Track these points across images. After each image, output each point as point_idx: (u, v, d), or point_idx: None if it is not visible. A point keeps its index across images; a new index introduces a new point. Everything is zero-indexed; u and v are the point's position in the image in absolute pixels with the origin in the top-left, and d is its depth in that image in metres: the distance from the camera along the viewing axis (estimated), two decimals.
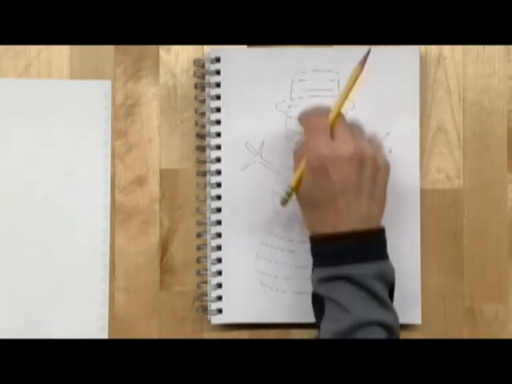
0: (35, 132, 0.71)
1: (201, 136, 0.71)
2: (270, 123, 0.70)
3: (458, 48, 0.71)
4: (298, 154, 0.64)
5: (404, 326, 0.69)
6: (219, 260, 0.70)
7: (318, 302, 0.62)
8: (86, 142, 0.71)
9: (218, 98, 0.70)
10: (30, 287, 0.71)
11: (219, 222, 0.70)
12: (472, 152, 0.71)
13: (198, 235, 0.71)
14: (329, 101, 0.65)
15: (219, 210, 0.70)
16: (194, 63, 0.71)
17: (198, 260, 0.71)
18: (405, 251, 0.69)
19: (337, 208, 0.61)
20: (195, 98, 0.71)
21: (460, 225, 0.71)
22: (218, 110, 0.70)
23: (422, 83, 0.70)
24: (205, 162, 0.71)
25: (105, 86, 0.72)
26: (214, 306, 0.70)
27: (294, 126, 0.69)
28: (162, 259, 0.71)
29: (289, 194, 0.64)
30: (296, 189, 0.63)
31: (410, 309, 0.70)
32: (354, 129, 0.63)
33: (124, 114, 0.72)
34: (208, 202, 0.71)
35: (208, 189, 0.71)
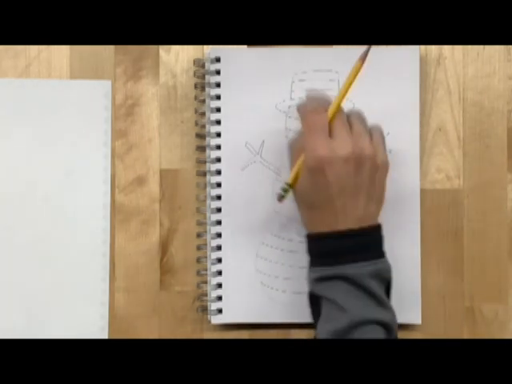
0: (35, 132, 0.71)
1: (201, 136, 0.71)
2: (270, 123, 0.70)
3: (458, 48, 0.71)
4: (294, 148, 0.64)
5: (404, 326, 0.69)
6: (219, 260, 0.70)
7: (314, 301, 0.62)
8: (86, 142, 0.71)
9: (218, 97, 0.70)
10: (30, 287, 0.71)
11: (219, 222, 0.70)
12: (472, 152, 0.71)
13: (198, 235, 0.71)
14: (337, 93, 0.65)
15: (219, 210, 0.70)
16: (194, 63, 0.71)
17: (198, 260, 0.71)
18: (405, 251, 0.69)
19: (333, 208, 0.60)
20: (195, 98, 0.71)
21: (460, 225, 0.71)
22: (218, 110, 0.70)
23: (422, 83, 0.70)
24: (205, 162, 0.71)
25: (105, 86, 0.72)
26: (214, 306, 0.70)
27: (294, 125, 0.69)
28: (162, 259, 0.71)
29: (285, 191, 0.64)
30: (293, 185, 0.63)
31: (410, 309, 0.70)
32: (354, 123, 0.62)
33: (124, 114, 0.72)
34: (208, 202, 0.71)
35: (208, 189, 0.71)
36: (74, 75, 0.72)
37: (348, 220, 0.60)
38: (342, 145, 0.60)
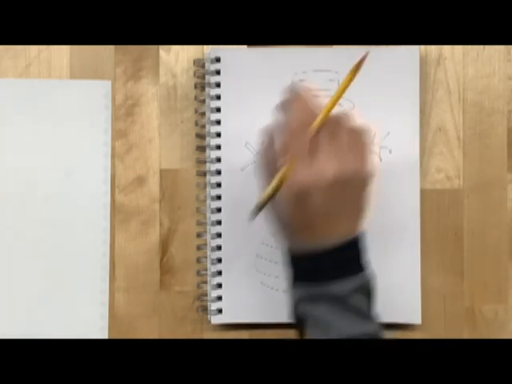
0: (35, 132, 0.71)
1: (201, 136, 0.71)
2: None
3: (458, 48, 0.71)
4: (266, 163, 0.59)
5: (404, 326, 0.69)
6: (219, 260, 0.70)
7: (298, 322, 0.60)
8: (86, 142, 0.71)
9: (218, 97, 0.70)
10: (30, 287, 0.71)
11: (219, 222, 0.70)
12: (472, 152, 0.71)
13: (198, 235, 0.71)
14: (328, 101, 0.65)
15: (219, 209, 0.70)
16: (194, 63, 0.71)
17: (198, 260, 0.71)
18: (405, 251, 0.69)
19: (314, 229, 0.57)
20: (195, 98, 0.71)
21: (460, 225, 0.71)
22: (218, 110, 0.70)
23: (422, 83, 0.70)
24: (205, 162, 0.71)
25: (105, 85, 0.72)
26: (214, 306, 0.70)
27: None
28: (162, 259, 0.71)
29: (259, 208, 0.59)
30: (266, 203, 0.58)
31: (410, 309, 0.70)
32: (340, 132, 0.57)
33: (124, 114, 0.72)
34: (208, 202, 0.71)
35: (208, 189, 0.71)
36: (74, 75, 0.72)
37: (330, 238, 0.57)
38: (326, 166, 0.55)
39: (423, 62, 0.71)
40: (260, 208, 0.59)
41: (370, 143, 0.59)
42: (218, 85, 0.70)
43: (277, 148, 0.57)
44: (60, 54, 0.72)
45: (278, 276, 0.70)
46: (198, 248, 0.71)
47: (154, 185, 0.72)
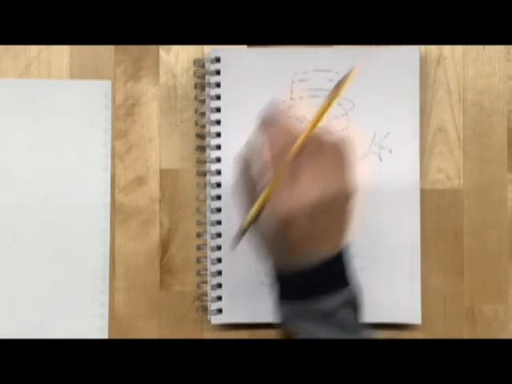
0: (35, 132, 0.71)
1: (201, 136, 0.71)
2: None
3: (458, 48, 0.71)
4: (246, 185, 0.56)
5: (404, 326, 0.69)
6: (219, 260, 0.70)
7: (286, 338, 0.59)
8: (86, 142, 0.71)
9: (218, 97, 0.70)
10: (30, 287, 0.71)
11: (219, 222, 0.70)
12: (472, 152, 0.71)
13: (198, 235, 0.71)
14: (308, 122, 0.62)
15: (219, 210, 0.70)
16: (194, 63, 0.71)
17: (198, 260, 0.71)
18: (405, 251, 0.69)
19: (299, 249, 0.56)
20: (195, 98, 0.71)
21: (460, 225, 0.71)
22: (218, 109, 0.70)
23: (422, 83, 0.70)
24: (205, 162, 0.71)
25: (105, 85, 0.72)
26: (214, 306, 0.70)
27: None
28: (161, 259, 0.71)
29: (241, 234, 0.57)
30: (248, 228, 0.57)
31: (410, 309, 0.70)
32: (320, 150, 0.55)
33: (124, 113, 0.72)
34: (208, 202, 0.71)
35: (208, 189, 0.71)
36: (74, 75, 0.72)
37: (315, 256, 0.56)
38: (308, 188, 0.54)
39: (423, 62, 0.71)
40: (242, 233, 0.57)
41: (352, 155, 0.56)
42: (218, 85, 0.70)
43: (255, 173, 0.55)
44: (60, 54, 0.72)
45: None
46: (198, 248, 0.71)
47: (153, 185, 0.72)
